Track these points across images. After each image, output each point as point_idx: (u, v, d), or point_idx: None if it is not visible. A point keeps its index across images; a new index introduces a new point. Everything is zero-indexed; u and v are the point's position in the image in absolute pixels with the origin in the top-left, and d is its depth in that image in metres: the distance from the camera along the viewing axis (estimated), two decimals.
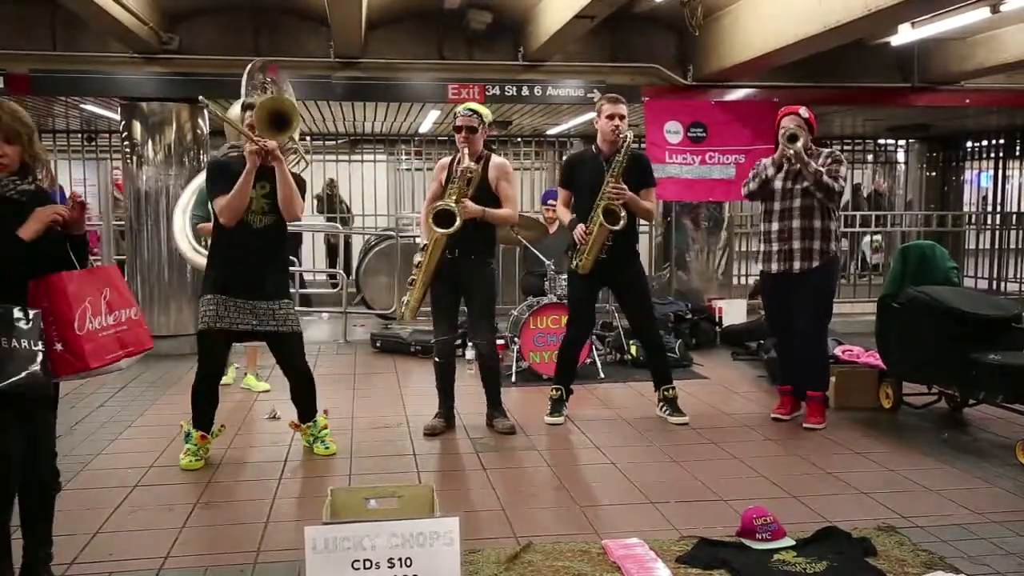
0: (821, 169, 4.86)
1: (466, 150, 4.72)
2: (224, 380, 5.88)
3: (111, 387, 6.14)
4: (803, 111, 4.98)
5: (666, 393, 5.26)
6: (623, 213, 4.88)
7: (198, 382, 4.38)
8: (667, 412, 5.24)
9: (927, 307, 4.75)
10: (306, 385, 4.53)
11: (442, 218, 4.67)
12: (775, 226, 5.04)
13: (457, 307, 5.06)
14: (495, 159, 4.91)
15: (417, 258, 4.90)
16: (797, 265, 4.97)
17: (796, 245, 4.96)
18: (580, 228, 5.01)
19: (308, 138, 11.53)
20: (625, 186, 4.91)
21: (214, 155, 5.06)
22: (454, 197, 4.69)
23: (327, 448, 4.58)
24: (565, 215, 5.21)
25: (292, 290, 5.29)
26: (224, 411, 5.34)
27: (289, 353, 4.44)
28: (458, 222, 4.63)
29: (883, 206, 12.83)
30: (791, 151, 4.83)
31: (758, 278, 5.49)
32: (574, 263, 5.08)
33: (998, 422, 5.05)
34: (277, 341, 4.38)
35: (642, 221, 5.62)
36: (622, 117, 4.99)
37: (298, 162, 4.60)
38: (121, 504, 3.83)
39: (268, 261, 4.32)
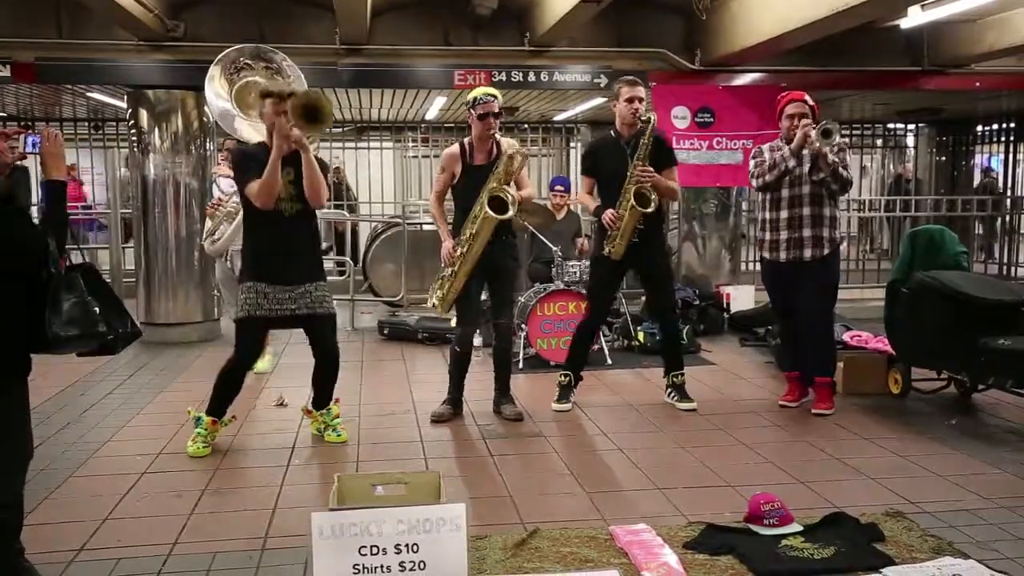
0: (837, 160, 4.80)
1: (495, 135, 4.70)
2: (261, 367, 6.00)
3: (120, 374, 6.17)
4: (807, 98, 4.92)
5: (675, 379, 5.26)
6: (654, 196, 4.87)
7: (231, 369, 4.39)
8: (675, 398, 5.24)
9: (936, 292, 4.72)
10: (331, 368, 4.58)
11: (497, 204, 4.65)
12: (784, 214, 4.95)
13: (481, 295, 5.05)
14: (506, 141, 4.87)
15: (453, 251, 4.81)
16: (808, 253, 4.90)
17: (807, 233, 4.89)
18: (609, 213, 4.95)
19: None
20: (652, 168, 4.89)
21: (238, 146, 5.11)
22: (499, 183, 4.67)
23: (339, 436, 4.60)
24: (589, 202, 5.18)
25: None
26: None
27: (321, 334, 4.49)
28: (512, 209, 4.63)
29: (909, 191, 12.67)
30: (824, 147, 4.71)
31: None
32: (606, 249, 5.04)
33: (1007, 407, 5.03)
34: (311, 322, 4.43)
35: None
36: (641, 100, 4.95)
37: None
38: (130, 491, 3.84)
39: (304, 248, 4.38)
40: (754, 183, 5.09)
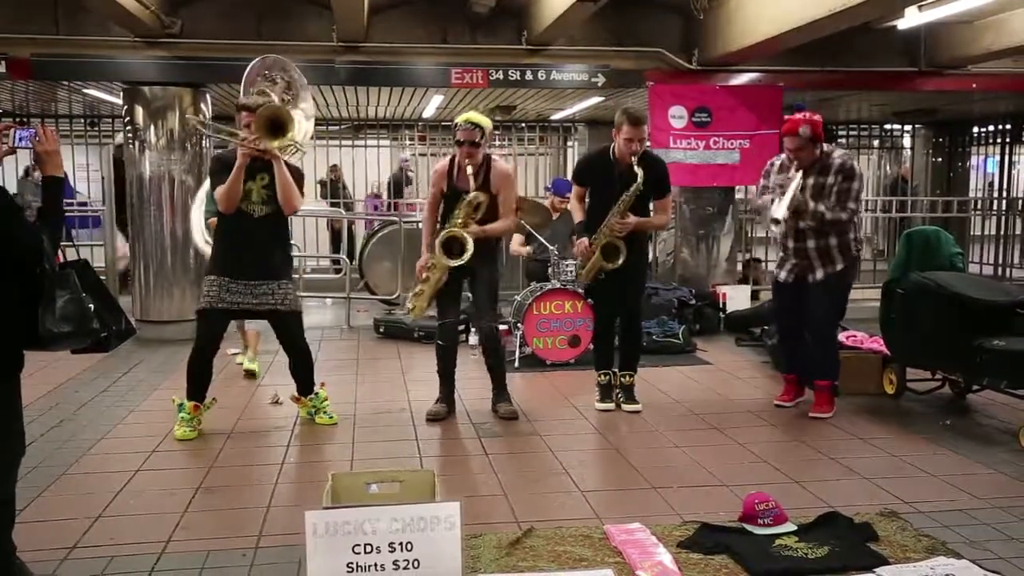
0: (821, 209, 4.73)
1: (468, 167, 4.68)
2: (249, 366, 6.09)
3: (115, 372, 6.16)
4: (803, 130, 4.71)
5: (623, 379, 5.24)
6: (623, 249, 4.90)
7: (194, 354, 4.63)
8: (622, 398, 5.23)
9: (931, 293, 4.73)
10: (303, 361, 4.82)
11: (452, 246, 4.72)
12: (791, 243, 4.93)
13: (461, 291, 5.10)
14: (497, 167, 4.87)
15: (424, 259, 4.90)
16: (819, 275, 4.88)
17: (815, 263, 4.89)
18: (583, 244, 5.00)
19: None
20: (631, 221, 4.88)
21: (217, 152, 5.30)
22: (460, 222, 4.73)
23: (330, 418, 4.84)
24: (578, 212, 5.18)
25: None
26: (227, 397, 5.38)
27: (288, 332, 4.74)
28: (467, 255, 4.69)
29: (907, 192, 12.64)
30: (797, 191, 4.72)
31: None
32: (575, 270, 5.10)
33: (1002, 408, 5.04)
34: (276, 319, 4.65)
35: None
36: (641, 141, 4.88)
37: (294, 153, 4.71)
38: (123, 488, 3.84)
39: (268, 247, 4.58)
40: (776, 226, 4.94)
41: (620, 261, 4.91)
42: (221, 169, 4.51)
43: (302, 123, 5.24)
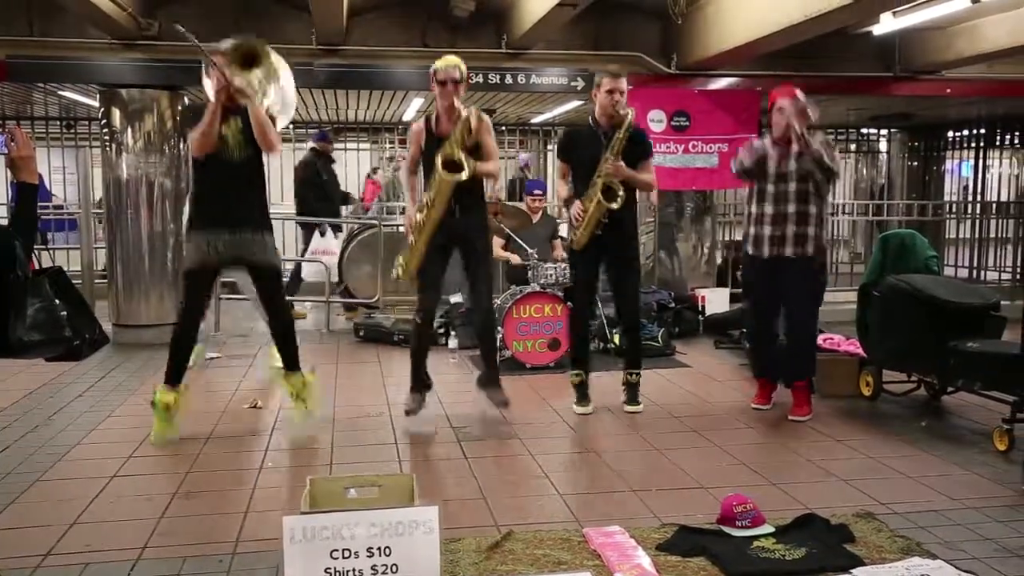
0: (822, 150, 4.78)
1: (455, 102, 4.64)
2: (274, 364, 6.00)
3: (91, 376, 6.09)
4: (800, 96, 4.82)
5: (630, 377, 5.25)
6: (621, 191, 4.88)
7: (181, 325, 4.59)
8: (624, 398, 5.25)
9: (907, 295, 4.77)
10: (282, 330, 4.80)
11: (450, 166, 4.58)
12: (768, 209, 4.93)
13: (444, 271, 4.96)
14: (473, 111, 4.77)
15: (416, 217, 4.76)
16: (790, 251, 4.90)
17: (791, 231, 4.89)
18: (577, 206, 4.98)
19: (291, 126, 11.44)
20: (623, 163, 4.89)
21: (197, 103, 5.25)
22: (458, 139, 4.59)
23: (306, 408, 4.83)
24: (563, 189, 5.19)
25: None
26: (205, 401, 5.34)
27: (267, 289, 4.73)
28: (466, 169, 4.55)
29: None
30: (799, 129, 4.71)
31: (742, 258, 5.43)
32: (569, 238, 5.06)
33: (976, 409, 5.09)
34: (258, 274, 4.68)
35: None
36: (622, 92, 4.94)
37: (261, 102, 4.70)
38: (99, 494, 3.79)
39: (249, 192, 4.58)
40: (733, 167, 5.13)
41: (620, 201, 4.86)
42: (198, 116, 4.48)
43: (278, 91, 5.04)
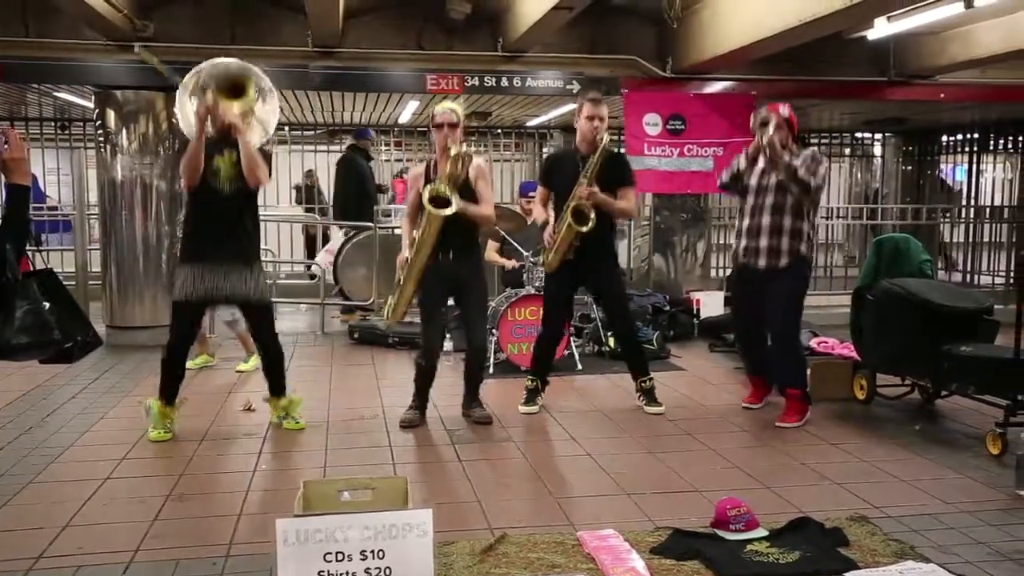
0: (795, 164, 4.82)
1: (451, 144, 4.65)
2: (245, 367, 6.27)
3: (84, 378, 6.08)
4: (783, 109, 4.93)
5: (643, 384, 5.29)
6: (592, 215, 4.89)
7: (170, 350, 4.63)
8: (643, 402, 5.27)
9: (901, 299, 4.78)
10: (273, 359, 4.81)
11: (438, 202, 4.62)
12: (746, 222, 5.03)
13: (445, 303, 5.04)
14: (473, 159, 4.85)
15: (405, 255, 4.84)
16: (763, 262, 4.93)
17: (763, 243, 4.92)
18: (548, 230, 5.06)
19: (286, 128, 11.44)
20: (596, 188, 4.90)
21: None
22: (447, 173, 4.63)
23: (297, 423, 4.82)
24: (541, 213, 5.23)
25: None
26: (199, 404, 5.33)
27: (259, 324, 4.76)
28: (454, 205, 4.58)
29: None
30: (764, 140, 4.78)
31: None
32: (540, 260, 5.11)
33: (969, 413, 5.11)
34: (249, 310, 4.73)
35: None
36: (602, 119, 4.97)
37: (265, 143, 4.75)
38: (92, 497, 3.78)
39: (238, 225, 4.59)
40: (718, 182, 5.28)
41: (590, 225, 4.88)
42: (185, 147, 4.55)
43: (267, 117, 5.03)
